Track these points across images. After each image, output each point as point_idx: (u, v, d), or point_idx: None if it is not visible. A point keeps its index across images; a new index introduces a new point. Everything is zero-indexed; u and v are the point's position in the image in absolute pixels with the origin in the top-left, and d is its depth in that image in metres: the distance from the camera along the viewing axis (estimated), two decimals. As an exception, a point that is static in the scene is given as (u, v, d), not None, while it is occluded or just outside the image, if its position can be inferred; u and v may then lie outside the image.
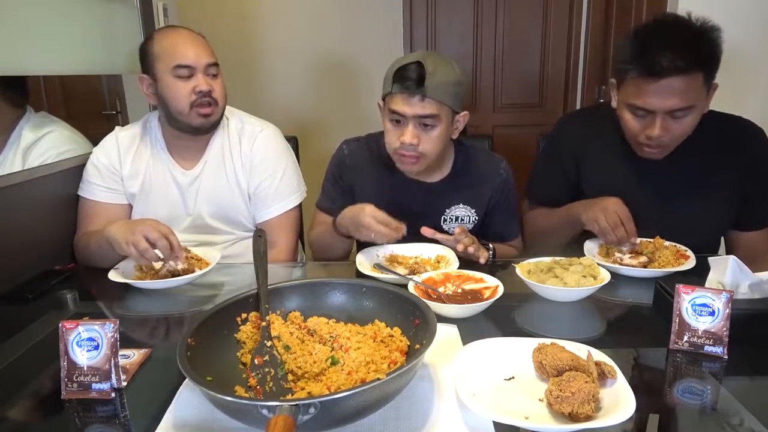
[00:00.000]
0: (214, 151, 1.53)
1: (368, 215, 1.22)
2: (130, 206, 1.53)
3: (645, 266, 1.24)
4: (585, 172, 1.50)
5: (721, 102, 1.35)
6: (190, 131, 1.46)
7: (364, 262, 1.31)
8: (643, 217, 1.32)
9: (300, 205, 1.63)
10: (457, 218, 1.50)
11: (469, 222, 1.50)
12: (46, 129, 1.52)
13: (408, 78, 1.28)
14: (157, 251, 1.22)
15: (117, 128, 1.55)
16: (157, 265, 1.28)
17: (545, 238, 1.55)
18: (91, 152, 1.52)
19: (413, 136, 1.31)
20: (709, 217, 1.41)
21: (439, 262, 1.32)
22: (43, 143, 1.49)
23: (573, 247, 1.39)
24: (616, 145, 1.43)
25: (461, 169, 1.50)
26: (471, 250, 1.27)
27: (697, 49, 1.20)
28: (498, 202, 1.52)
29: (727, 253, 1.33)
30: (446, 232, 1.36)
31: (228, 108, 1.57)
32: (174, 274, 1.25)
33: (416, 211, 1.43)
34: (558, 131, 1.60)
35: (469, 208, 1.50)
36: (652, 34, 1.24)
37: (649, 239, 1.33)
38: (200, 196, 1.52)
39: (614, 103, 1.37)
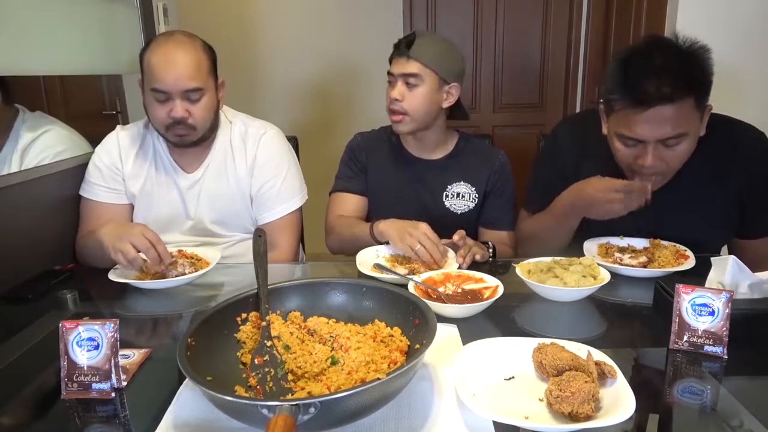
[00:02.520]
0: (216, 154, 1.51)
1: (423, 230, 1.27)
2: (132, 206, 1.52)
3: (645, 266, 1.24)
4: (585, 176, 1.47)
5: (720, 109, 1.32)
6: (172, 144, 1.46)
7: (364, 262, 1.31)
8: (644, 223, 1.30)
9: (301, 207, 1.63)
10: (458, 194, 1.58)
11: (469, 199, 1.59)
12: (42, 128, 1.51)
13: (400, 42, 1.47)
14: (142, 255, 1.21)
15: (118, 127, 1.55)
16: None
17: (543, 244, 1.48)
18: (89, 152, 1.52)
19: (399, 92, 1.47)
20: (711, 224, 1.36)
21: (439, 262, 1.33)
22: (39, 143, 1.48)
23: (573, 247, 1.39)
24: None
25: (462, 149, 1.63)
26: (464, 266, 1.28)
27: (683, 73, 1.13)
28: (495, 187, 1.59)
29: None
30: (448, 209, 1.58)
31: (231, 111, 1.57)
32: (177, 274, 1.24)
33: (421, 186, 1.60)
34: (554, 138, 1.56)
35: (469, 185, 1.59)
36: (636, 61, 1.18)
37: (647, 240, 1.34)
38: (201, 199, 1.51)
39: (605, 130, 1.31)
